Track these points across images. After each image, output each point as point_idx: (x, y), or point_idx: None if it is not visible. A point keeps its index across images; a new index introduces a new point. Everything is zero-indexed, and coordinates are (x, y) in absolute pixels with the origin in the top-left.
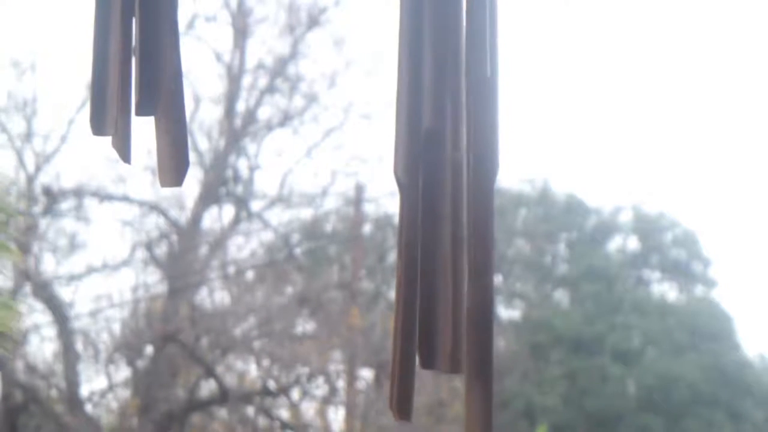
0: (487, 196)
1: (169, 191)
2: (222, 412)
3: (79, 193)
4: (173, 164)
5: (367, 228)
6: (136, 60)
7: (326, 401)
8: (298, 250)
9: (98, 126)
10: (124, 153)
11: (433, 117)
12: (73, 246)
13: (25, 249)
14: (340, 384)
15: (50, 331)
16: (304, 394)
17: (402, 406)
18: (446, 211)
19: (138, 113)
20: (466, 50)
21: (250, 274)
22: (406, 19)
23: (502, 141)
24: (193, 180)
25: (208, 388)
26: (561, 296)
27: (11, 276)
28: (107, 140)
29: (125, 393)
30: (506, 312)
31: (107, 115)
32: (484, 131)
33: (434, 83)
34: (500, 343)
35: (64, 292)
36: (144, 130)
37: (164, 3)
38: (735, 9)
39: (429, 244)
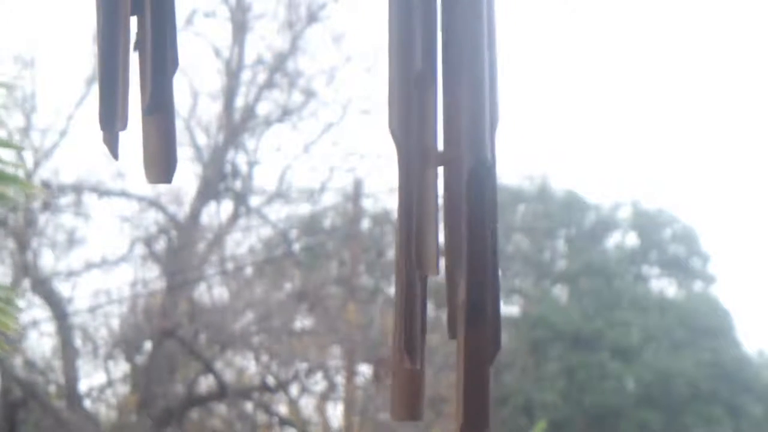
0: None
1: (167, 187)
2: (221, 408)
3: (77, 188)
4: (162, 161)
5: (365, 224)
6: (146, 56)
7: (325, 397)
8: (296, 246)
9: (108, 122)
10: (114, 149)
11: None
12: (72, 241)
13: (23, 245)
14: (339, 379)
15: (49, 327)
16: (303, 389)
17: (409, 404)
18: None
19: (148, 111)
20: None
21: (248, 270)
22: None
23: (498, 136)
24: (192, 175)
25: (206, 383)
26: (560, 292)
27: (10, 271)
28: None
29: (124, 388)
30: (505, 308)
31: (117, 111)
32: (477, 122)
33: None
34: None
35: (63, 288)
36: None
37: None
38: (735, 9)
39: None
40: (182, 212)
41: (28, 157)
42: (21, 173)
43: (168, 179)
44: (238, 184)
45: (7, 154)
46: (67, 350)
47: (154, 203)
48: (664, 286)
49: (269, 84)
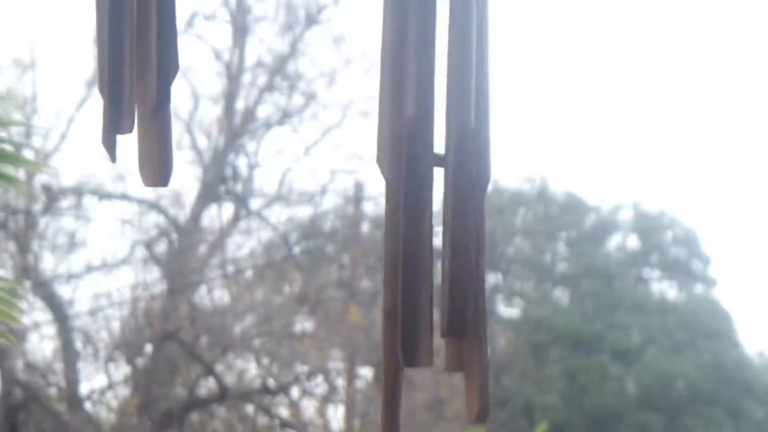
0: (478, 198)
1: (168, 189)
2: (221, 411)
3: (78, 191)
4: (158, 164)
5: (366, 226)
6: (148, 59)
7: (326, 399)
8: (297, 249)
9: (115, 125)
10: (112, 152)
11: (415, 111)
12: (73, 244)
13: (24, 247)
14: (340, 382)
15: (50, 330)
16: (304, 392)
17: (481, 407)
18: (427, 207)
19: (156, 112)
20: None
21: (249, 273)
22: (390, 13)
23: (493, 141)
24: (193, 178)
25: (207, 386)
26: (560, 295)
27: (11, 274)
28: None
29: (125, 391)
30: (506, 310)
31: (124, 114)
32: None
33: (418, 78)
34: (500, 342)
35: (64, 291)
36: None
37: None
38: (735, 9)
39: (411, 240)
40: (183, 215)
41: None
42: (23, 151)
43: (164, 183)
44: (238, 187)
45: (9, 131)
46: (67, 353)
47: (155, 206)
48: (664, 288)
49: (269, 87)
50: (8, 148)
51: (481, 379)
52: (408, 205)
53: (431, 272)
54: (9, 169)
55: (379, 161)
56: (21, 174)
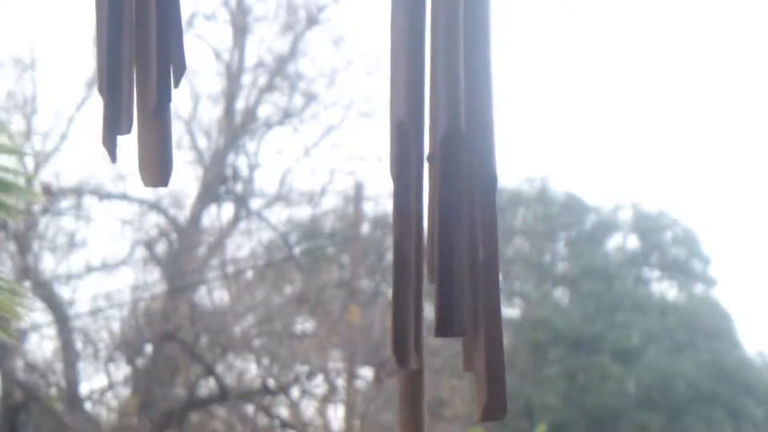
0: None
1: (168, 190)
2: (221, 411)
3: (78, 191)
4: (158, 164)
5: (366, 227)
6: (148, 58)
7: (326, 399)
8: (297, 249)
9: (114, 126)
10: (112, 152)
11: (405, 112)
12: (73, 244)
13: (24, 247)
14: (340, 382)
15: (50, 330)
16: (304, 392)
17: (494, 405)
18: (416, 208)
19: (156, 112)
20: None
21: (249, 273)
22: (396, 15)
23: (498, 142)
24: (193, 178)
25: (207, 386)
26: (560, 295)
27: (11, 274)
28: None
29: (125, 391)
30: (506, 311)
31: (123, 115)
32: (478, 130)
33: (413, 77)
34: None
35: (64, 291)
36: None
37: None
38: (735, 9)
39: (400, 241)
40: (183, 215)
41: (29, 161)
42: (22, 180)
43: (164, 183)
44: (238, 187)
45: (8, 160)
46: (67, 353)
47: (155, 206)
48: (664, 288)
49: (270, 87)
50: (9, 177)
51: (487, 378)
52: (397, 206)
53: (421, 272)
54: (7, 198)
55: (390, 165)
56: (11, 199)
